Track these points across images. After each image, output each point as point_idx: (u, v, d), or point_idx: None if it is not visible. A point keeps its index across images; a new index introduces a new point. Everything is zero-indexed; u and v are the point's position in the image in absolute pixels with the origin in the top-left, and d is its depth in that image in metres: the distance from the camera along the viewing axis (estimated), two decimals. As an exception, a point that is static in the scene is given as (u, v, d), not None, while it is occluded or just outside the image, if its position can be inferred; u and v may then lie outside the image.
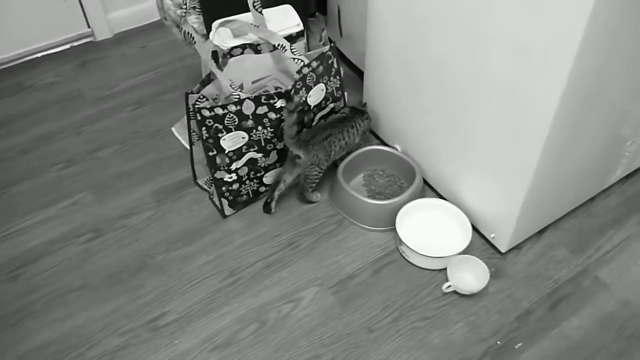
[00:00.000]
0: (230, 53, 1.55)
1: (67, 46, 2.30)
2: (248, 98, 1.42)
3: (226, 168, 1.50)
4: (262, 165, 1.55)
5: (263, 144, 1.51)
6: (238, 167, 1.51)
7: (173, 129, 1.88)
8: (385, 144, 1.78)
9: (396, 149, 1.69)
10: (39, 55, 2.26)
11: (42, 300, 1.46)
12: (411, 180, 1.61)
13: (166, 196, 1.70)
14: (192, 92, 1.44)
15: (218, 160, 1.47)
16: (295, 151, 1.49)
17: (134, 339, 1.38)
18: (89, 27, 2.30)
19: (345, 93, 1.70)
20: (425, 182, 1.68)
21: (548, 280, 1.46)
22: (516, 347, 1.34)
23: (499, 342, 1.35)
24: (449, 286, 1.42)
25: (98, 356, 1.35)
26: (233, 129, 1.44)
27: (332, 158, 1.59)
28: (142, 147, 1.86)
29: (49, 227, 1.63)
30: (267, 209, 1.61)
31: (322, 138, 1.54)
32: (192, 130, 1.55)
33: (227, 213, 1.62)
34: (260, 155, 1.53)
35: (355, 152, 1.66)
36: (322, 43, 1.97)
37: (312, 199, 1.64)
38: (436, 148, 1.56)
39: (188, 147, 1.72)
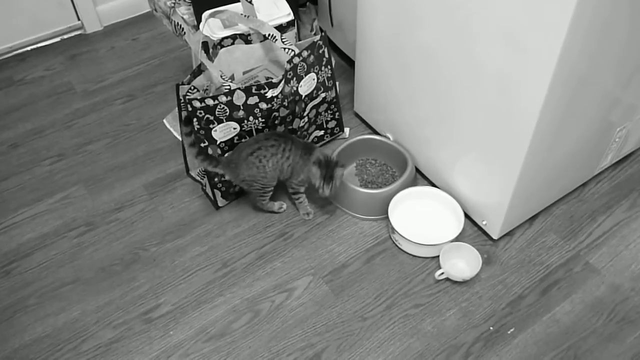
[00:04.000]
0: (220, 44, 1.55)
1: (57, 39, 2.28)
2: (239, 89, 1.41)
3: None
4: (254, 156, 1.55)
5: (254, 134, 1.50)
6: (230, 158, 1.51)
7: (164, 120, 1.88)
8: (377, 133, 1.78)
9: (388, 138, 1.70)
10: (29, 48, 2.24)
11: (36, 295, 1.46)
12: (403, 169, 1.62)
13: (158, 189, 1.70)
14: (182, 84, 1.43)
15: (210, 151, 1.47)
16: (211, 169, 1.48)
17: (128, 331, 1.38)
18: (78, 19, 2.29)
19: (337, 82, 1.70)
20: (417, 170, 1.68)
21: (539, 266, 1.47)
22: (509, 332, 1.35)
23: (491, 328, 1.35)
24: (442, 273, 1.42)
25: (92, 349, 1.35)
26: (224, 120, 1.43)
27: (276, 176, 1.50)
28: (134, 140, 1.86)
29: (41, 222, 1.62)
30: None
31: (246, 154, 1.45)
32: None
33: (219, 204, 1.62)
34: (251, 146, 1.52)
35: (347, 142, 1.66)
36: (313, 33, 1.96)
37: (269, 209, 1.60)
38: (428, 136, 1.56)
39: (180, 138, 1.72)
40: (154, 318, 1.40)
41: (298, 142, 1.49)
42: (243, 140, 1.50)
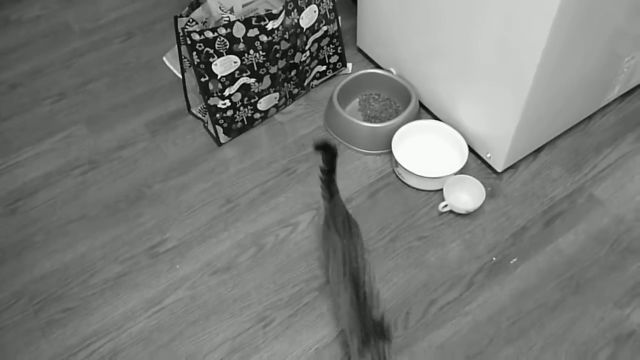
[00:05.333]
0: (218, -25, 1.50)
1: (51, -22, 2.23)
2: (238, 20, 1.38)
3: (219, 94, 1.48)
4: (256, 91, 1.53)
5: (256, 69, 1.48)
6: (231, 93, 1.49)
7: (164, 58, 1.85)
8: (380, 68, 1.75)
9: (391, 73, 1.67)
10: (23, -13, 2.19)
11: (42, 232, 1.47)
12: (407, 103, 1.60)
13: (160, 126, 1.69)
14: (181, 16, 1.40)
15: (210, 86, 1.45)
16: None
17: (134, 265, 1.40)
18: (72, -44, 2.22)
19: (339, 17, 1.66)
20: (421, 105, 1.66)
21: (543, 199, 1.47)
22: (511, 262, 1.36)
23: (494, 259, 1.37)
24: (445, 206, 1.42)
25: (100, 283, 1.37)
26: (224, 53, 1.41)
27: None
28: (134, 78, 1.83)
29: (44, 161, 1.62)
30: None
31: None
32: (183, 57, 1.52)
33: (222, 141, 1.61)
34: (253, 80, 1.50)
35: (350, 77, 1.64)
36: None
37: None
38: (432, 70, 1.53)
39: (180, 75, 1.69)
40: (160, 252, 1.42)
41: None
42: (244, 74, 1.47)
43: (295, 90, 1.67)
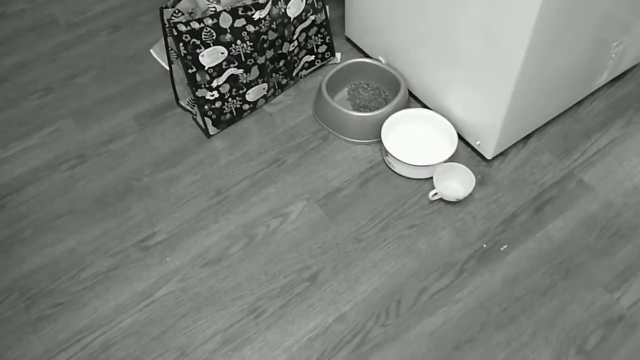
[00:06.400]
0: (203, -35, 1.49)
1: (36, -29, 2.20)
2: (225, 11, 1.37)
3: (207, 86, 1.47)
4: (244, 82, 1.52)
5: (243, 59, 1.47)
6: (219, 84, 1.48)
7: (151, 50, 1.84)
8: (369, 57, 1.74)
9: (380, 62, 1.66)
10: (7, -19, 2.17)
11: (31, 227, 1.46)
12: (396, 92, 1.59)
13: (148, 119, 1.68)
14: (166, 7, 1.39)
15: (198, 77, 1.44)
16: None
17: (125, 259, 1.39)
18: (56, -51, 2.20)
19: (327, 6, 1.65)
20: (410, 94, 1.66)
21: (533, 185, 1.47)
22: (502, 249, 1.36)
23: (484, 246, 1.37)
24: (435, 194, 1.43)
25: (91, 277, 1.36)
26: (211, 44, 1.40)
27: None
28: (121, 71, 1.82)
29: (31, 156, 1.61)
30: None
31: None
32: (170, 49, 1.51)
33: (211, 133, 1.60)
34: (241, 71, 1.49)
35: (339, 66, 1.63)
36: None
37: None
38: (420, 58, 1.53)
39: (167, 68, 1.68)
40: (150, 246, 1.41)
41: None
42: (232, 65, 1.46)
43: (284, 81, 1.66)
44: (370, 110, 1.61)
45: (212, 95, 1.50)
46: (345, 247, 1.38)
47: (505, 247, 1.36)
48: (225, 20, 1.38)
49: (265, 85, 1.58)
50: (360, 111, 1.60)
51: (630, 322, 1.25)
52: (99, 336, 1.27)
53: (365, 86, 1.68)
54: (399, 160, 1.44)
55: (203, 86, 1.46)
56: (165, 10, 1.37)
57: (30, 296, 1.34)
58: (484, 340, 1.24)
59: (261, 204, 1.47)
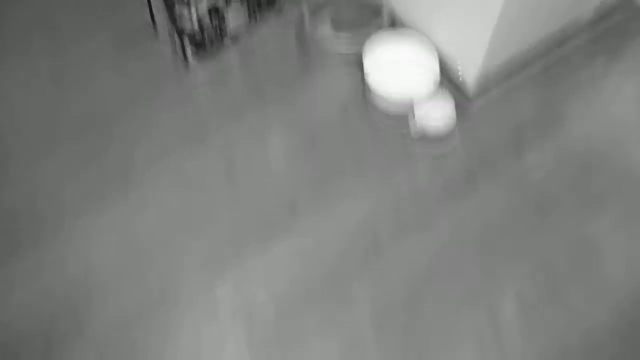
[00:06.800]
0: None
1: None
2: None
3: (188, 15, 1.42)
4: (224, 9, 1.48)
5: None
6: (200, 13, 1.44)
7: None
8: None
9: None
10: None
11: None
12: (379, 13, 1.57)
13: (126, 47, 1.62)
14: None
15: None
16: None
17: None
18: None
19: None
20: (394, 23, 1.62)
21: (514, 121, 1.48)
22: (480, 184, 1.38)
23: (464, 179, 1.39)
24: (416, 127, 1.42)
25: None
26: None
27: None
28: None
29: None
30: None
31: None
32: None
33: (190, 63, 1.56)
34: (221, -3, 1.45)
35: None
36: None
37: None
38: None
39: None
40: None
41: None
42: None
43: (265, 9, 1.62)
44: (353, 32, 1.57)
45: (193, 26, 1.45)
46: (325, 176, 1.40)
47: (484, 183, 1.38)
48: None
49: (245, 11, 1.54)
50: (343, 32, 1.56)
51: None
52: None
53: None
54: (380, 93, 1.43)
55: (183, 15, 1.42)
56: None
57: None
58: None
59: (241, 129, 1.47)
